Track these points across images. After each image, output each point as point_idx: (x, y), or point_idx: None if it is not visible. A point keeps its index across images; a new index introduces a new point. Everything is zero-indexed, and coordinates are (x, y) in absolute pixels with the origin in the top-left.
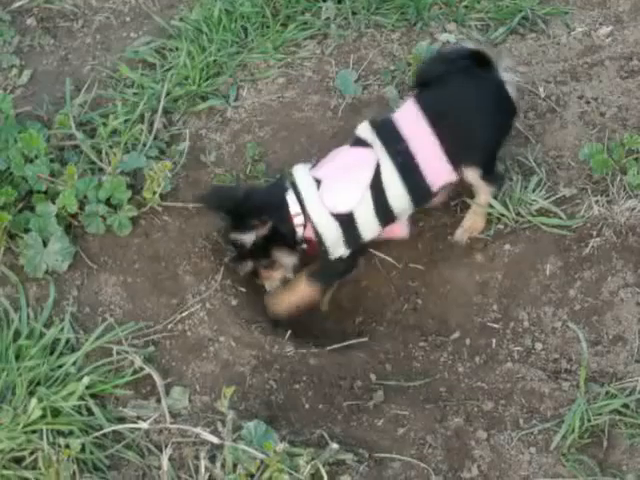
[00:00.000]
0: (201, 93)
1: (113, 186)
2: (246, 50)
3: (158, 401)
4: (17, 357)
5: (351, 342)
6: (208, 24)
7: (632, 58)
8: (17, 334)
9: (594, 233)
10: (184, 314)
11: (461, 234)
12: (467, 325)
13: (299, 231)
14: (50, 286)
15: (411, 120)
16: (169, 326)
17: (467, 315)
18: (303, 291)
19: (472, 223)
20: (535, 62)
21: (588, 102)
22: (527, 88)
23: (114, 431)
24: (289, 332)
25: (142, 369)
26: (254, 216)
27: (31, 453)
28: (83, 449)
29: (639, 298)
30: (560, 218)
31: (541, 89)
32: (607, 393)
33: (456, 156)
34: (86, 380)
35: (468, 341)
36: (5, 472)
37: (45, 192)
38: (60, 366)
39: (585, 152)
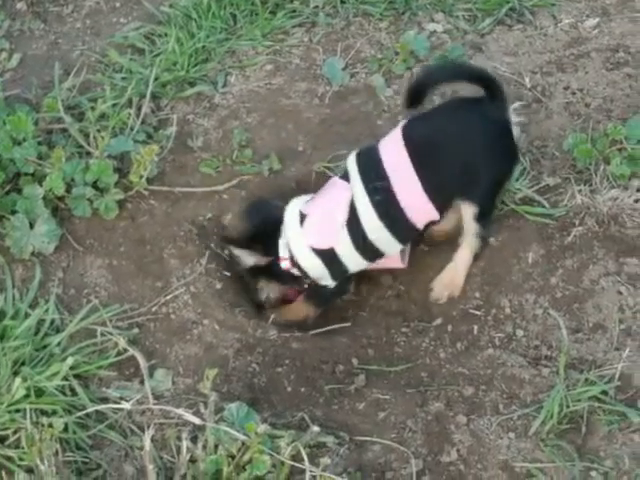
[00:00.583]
0: (189, 79)
1: (100, 169)
2: (234, 37)
3: (141, 382)
4: (2, 337)
5: (334, 327)
6: (197, 10)
7: (618, 50)
8: (2, 314)
9: (577, 222)
10: (168, 297)
11: (440, 291)
12: (449, 312)
13: (285, 267)
14: (36, 267)
15: (395, 153)
16: (153, 309)
17: (449, 302)
18: (300, 310)
19: (452, 278)
20: (522, 53)
21: (574, 93)
22: (513, 78)
23: (97, 411)
24: (272, 316)
25: (126, 351)
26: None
27: (14, 432)
28: (66, 429)
29: (620, 287)
30: (543, 207)
31: (527, 79)
32: (586, 380)
33: (444, 193)
34: (70, 360)
35: (450, 327)
36: None
37: (33, 174)
38: (45, 346)
39: (569, 142)
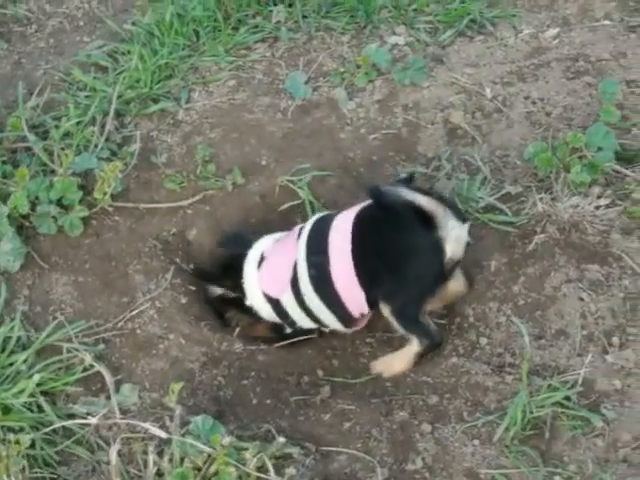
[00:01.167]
0: (153, 96)
1: (64, 187)
2: (197, 53)
3: (108, 398)
4: None
5: (299, 339)
6: (160, 28)
7: (578, 59)
8: None
9: (538, 230)
10: (134, 312)
11: (379, 368)
12: None
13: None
14: (1, 285)
15: (343, 234)
16: (119, 324)
17: None
18: (264, 332)
19: (390, 365)
20: (482, 64)
21: (534, 102)
22: (474, 89)
23: (64, 427)
24: (238, 329)
25: (92, 366)
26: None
27: None
28: (33, 445)
29: (581, 293)
30: (506, 215)
31: (488, 90)
32: (549, 386)
33: (370, 289)
34: (36, 377)
35: None
36: None
37: None
38: (11, 364)
39: (530, 151)
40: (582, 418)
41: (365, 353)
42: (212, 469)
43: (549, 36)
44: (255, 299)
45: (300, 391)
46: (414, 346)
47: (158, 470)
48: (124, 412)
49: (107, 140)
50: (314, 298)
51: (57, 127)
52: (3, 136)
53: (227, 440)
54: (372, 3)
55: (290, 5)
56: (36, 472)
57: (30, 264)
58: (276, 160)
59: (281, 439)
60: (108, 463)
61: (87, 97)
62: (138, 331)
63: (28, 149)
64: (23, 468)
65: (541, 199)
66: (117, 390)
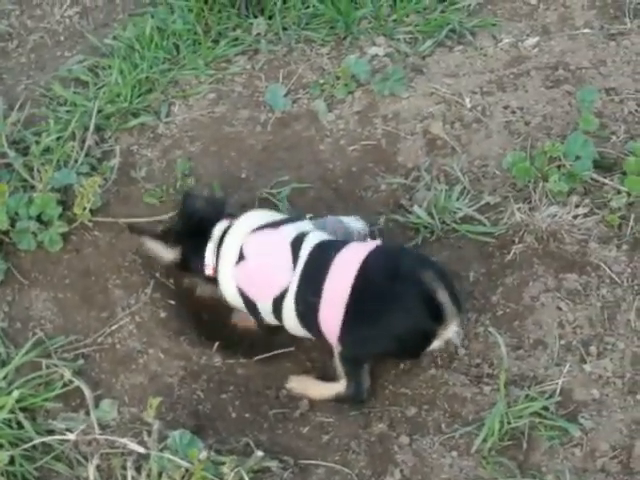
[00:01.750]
0: (132, 110)
1: (44, 202)
2: (177, 67)
3: (87, 413)
4: None
5: (278, 352)
6: (140, 42)
7: (558, 68)
8: None
9: (516, 239)
10: (114, 327)
11: (295, 385)
12: None
13: (208, 273)
14: None
15: (342, 283)
16: (99, 339)
17: None
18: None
19: (312, 385)
20: (462, 74)
21: (513, 112)
22: (454, 99)
23: (44, 443)
24: (217, 343)
25: (72, 382)
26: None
27: None
28: (13, 462)
29: (559, 302)
30: (484, 225)
31: (467, 100)
32: (527, 396)
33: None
34: (16, 394)
35: None
36: None
37: None
38: None
39: (508, 160)
40: (560, 428)
41: None
42: None
43: (529, 45)
44: (227, 290)
45: (279, 404)
46: (339, 386)
47: None
48: (103, 427)
49: (87, 155)
50: (294, 320)
51: (37, 142)
52: None
53: (204, 455)
54: (352, 14)
55: (270, 17)
56: None
57: (10, 280)
58: (256, 173)
59: (259, 453)
60: (87, 479)
61: (67, 112)
62: (118, 346)
63: (8, 165)
64: None
65: (519, 209)
66: (96, 405)
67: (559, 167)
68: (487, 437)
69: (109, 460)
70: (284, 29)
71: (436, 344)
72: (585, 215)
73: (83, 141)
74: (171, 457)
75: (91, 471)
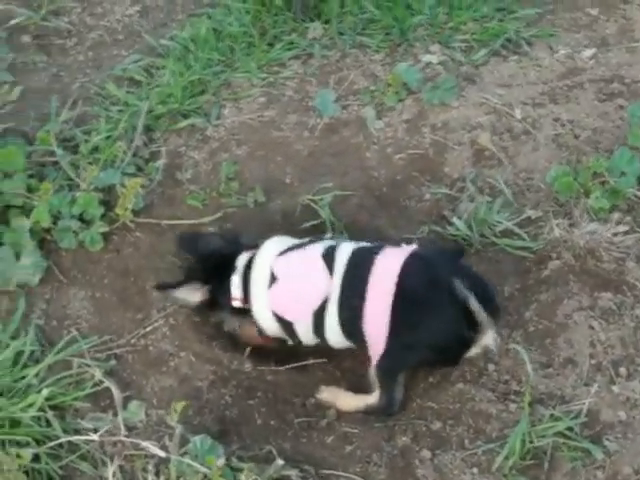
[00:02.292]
0: (183, 111)
1: (86, 202)
2: (230, 69)
3: (116, 414)
4: None
5: (309, 362)
6: (195, 43)
7: (613, 81)
8: None
9: (554, 255)
10: (148, 329)
11: (326, 395)
12: None
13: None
14: (20, 299)
15: (387, 277)
16: (132, 340)
17: None
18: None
19: (343, 397)
20: (515, 84)
21: (563, 125)
22: (504, 110)
23: (70, 442)
24: (248, 349)
25: (102, 382)
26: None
27: None
28: (38, 459)
29: (592, 321)
30: (523, 239)
31: (518, 111)
32: (552, 416)
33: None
34: (45, 392)
35: None
36: None
37: (22, 207)
38: (23, 377)
39: (551, 175)
40: (583, 449)
41: None
42: None
43: (585, 56)
44: (262, 317)
45: (305, 413)
46: (372, 398)
47: None
48: (130, 429)
49: (134, 155)
50: (337, 332)
51: (87, 141)
52: (32, 150)
53: (221, 462)
54: (407, 21)
55: (327, 22)
56: None
57: (50, 278)
58: (300, 178)
59: (280, 461)
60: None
61: (119, 111)
62: (150, 348)
63: (56, 163)
64: None
65: (558, 224)
66: (125, 407)
67: (603, 183)
68: (509, 455)
69: (133, 462)
70: (340, 34)
71: (474, 351)
72: (625, 233)
73: (131, 141)
74: (190, 462)
75: (110, 472)
